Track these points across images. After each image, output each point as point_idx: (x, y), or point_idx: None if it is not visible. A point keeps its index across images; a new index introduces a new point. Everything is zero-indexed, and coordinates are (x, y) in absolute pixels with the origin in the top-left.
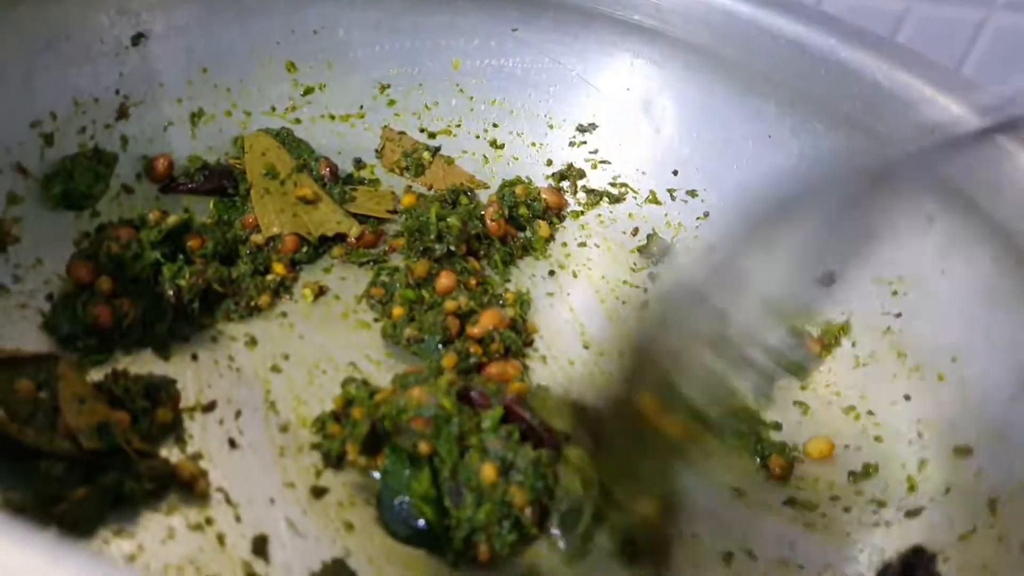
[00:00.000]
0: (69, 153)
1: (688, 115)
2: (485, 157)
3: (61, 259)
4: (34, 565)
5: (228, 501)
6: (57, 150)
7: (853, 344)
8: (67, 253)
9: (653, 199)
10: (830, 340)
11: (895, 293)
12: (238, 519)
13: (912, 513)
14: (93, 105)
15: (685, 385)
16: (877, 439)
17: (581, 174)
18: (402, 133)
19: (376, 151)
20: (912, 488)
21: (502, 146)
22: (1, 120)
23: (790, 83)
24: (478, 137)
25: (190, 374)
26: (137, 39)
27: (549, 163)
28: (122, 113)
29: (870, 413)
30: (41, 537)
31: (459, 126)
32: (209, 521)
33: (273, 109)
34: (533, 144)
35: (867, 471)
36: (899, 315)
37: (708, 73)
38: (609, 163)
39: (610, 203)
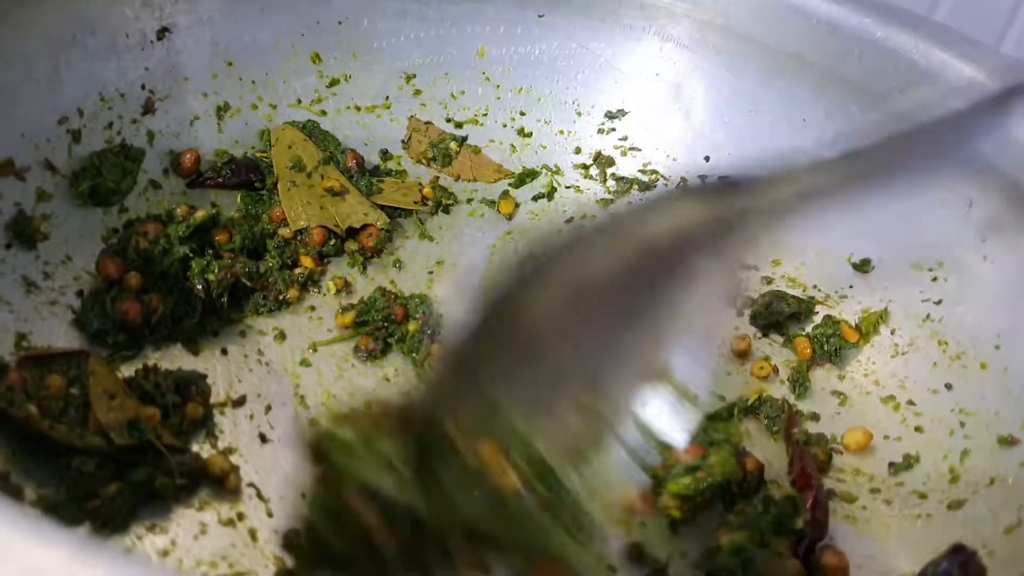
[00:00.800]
0: (96, 149)
1: (719, 99)
2: (512, 146)
3: (90, 255)
4: (65, 565)
5: (259, 496)
6: (84, 146)
7: (892, 332)
8: (96, 249)
9: (685, 185)
10: (868, 328)
11: (935, 279)
12: (269, 514)
13: (955, 505)
14: (119, 100)
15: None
16: (918, 429)
17: (610, 161)
18: (428, 123)
19: (403, 142)
20: (955, 479)
21: (529, 135)
22: (29, 116)
23: (824, 64)
24: (505, 126)
25: (220, 369)
26: (162, 33)
27: (578, 151)
28: (148, 108)
29: (910, 403)
30: (71, 536)
31: (486, 115)
32: (241, 516)
33: (299, 101)
34: (561, 132)
35: (908, 462)
36: (939, 302)
37: (739, 56)
38: (639, 150)
39: (640, 191)
